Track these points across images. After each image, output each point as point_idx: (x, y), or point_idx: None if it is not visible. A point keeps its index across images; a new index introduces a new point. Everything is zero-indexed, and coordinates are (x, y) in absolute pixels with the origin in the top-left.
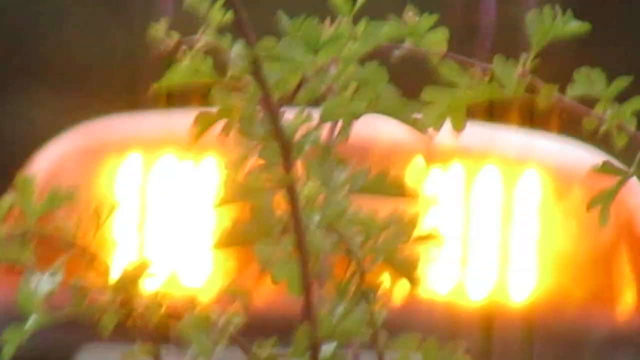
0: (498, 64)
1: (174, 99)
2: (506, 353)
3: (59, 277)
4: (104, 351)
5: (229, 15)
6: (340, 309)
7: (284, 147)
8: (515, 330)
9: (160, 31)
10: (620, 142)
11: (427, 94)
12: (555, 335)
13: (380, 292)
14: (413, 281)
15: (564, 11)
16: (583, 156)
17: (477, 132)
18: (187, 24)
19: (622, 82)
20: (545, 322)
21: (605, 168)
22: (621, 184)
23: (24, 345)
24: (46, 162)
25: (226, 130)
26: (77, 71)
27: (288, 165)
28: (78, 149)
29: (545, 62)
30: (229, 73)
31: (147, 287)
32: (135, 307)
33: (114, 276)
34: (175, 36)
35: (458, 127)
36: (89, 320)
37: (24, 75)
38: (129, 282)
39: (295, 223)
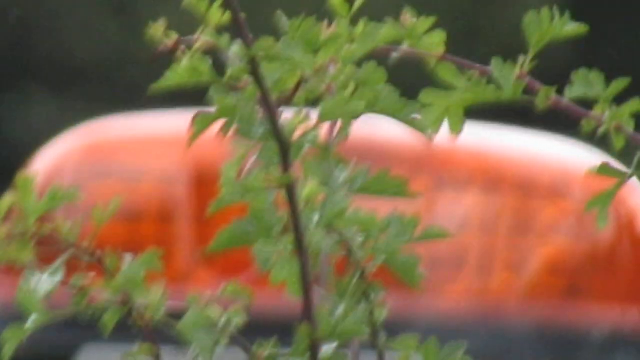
0: (496, 66)
1: (174, 99)
2: (506, 353)
3: (58, 277)
4: (104, 351)
5: (227, 15)
6: (340, 309)
7: (283, 147)
8: (515, 330)
9: (159, 31)
10: (618, 143)
11: (425, 96)
12: (555, 335)
13: (380, 292)
14: (413, 281)
15: (562, 13)
16: (582, 157)
17: (477, 132)
18: (186, 24)
19: (620, 84)
20: (546, 322)
21: (603, 169)
22: (620, 185)
23: (24, 345)
24: (47, 162)
25: (225, 130)
26: (77, 71)
27: (287, 165)
28: (78, 149)
29: (544, 64)
30: (228, 73)
31: (148, 286)
32: (135, 307)
33: (114, 275)
34: (174, 36)
35: (456, 129)
36: (89, 320)
37: (24, 76)
38: (129, 281)
39: (295, 223)
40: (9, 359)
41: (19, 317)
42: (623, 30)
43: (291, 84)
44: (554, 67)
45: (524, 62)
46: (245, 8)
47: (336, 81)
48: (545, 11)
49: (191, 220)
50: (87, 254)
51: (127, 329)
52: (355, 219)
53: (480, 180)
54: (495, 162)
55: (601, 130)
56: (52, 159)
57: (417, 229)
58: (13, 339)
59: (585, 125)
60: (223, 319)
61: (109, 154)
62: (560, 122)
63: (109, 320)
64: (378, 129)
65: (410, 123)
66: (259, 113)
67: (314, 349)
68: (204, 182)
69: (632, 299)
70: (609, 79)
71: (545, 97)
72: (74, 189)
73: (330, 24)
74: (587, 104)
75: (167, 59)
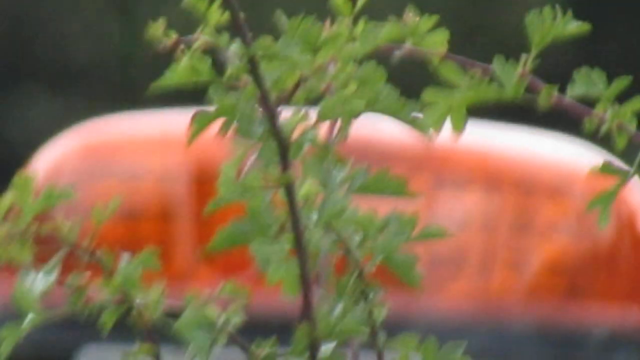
0: (498, 65)
1: (174, 99)
2: (506, 353)
3: (53, 276)
4: (103, 350)
5: (227, 15)
6: (339, 309)
7: (282, 146)
8: (515, 330)
9: (158, 31)
10: (620, 142)
11: (428, 94)
12: (555, 335)
13: (379, 291)
14: (412, 281)
15: (564, 11)
16: (584, 156)
17: (478, 131)
18: (185, 23)
19: (622, 82)
20: (546, 322)
21: (605, 168)
22: (622, 184)
23: (23, 344)
24: (46, 162)
25: (224, 129)
26: (77, 71)
27: (285, 164)
28: (78, 149)
29: (546, 62)
30: (227, 72)
31: (146, 285)
32: (133, 306)
33: (112, 275)
34: (174, 36)
35: (458, 128)
36: (88, 320)
37: (23, 76)
38: (127, 280)
39: (293, 222)
40: (5, 358)
41: (18, 316)
42: (625, 28)
43: (290, 83)
44: (556, 65)
45: (526, 61)
46: (246, 7)
47: (336, 80)
48: (547, 10)
49: (191, 220)
50: (86, 254)
51: (128, 329)
52: (354, 218)
53: (481, 179)
54: (496, 161)
55: (603, 129)
56: (52, 159)
57: (416, 228)
58: (9, 338)
59: (588, 124)
60: (221, 319)
61: (109, 153)
62: (562, 120)
63: (108, 319)
64: (378, 128)
65: (411, 122)
66: (259, 112)
67: (312, 348)
68: (203, 182)
69: (633, 298)
70: (610, 78)
71: (547, 96)
72: (70, 188)
73: (332, 23)
74: (589, 102)
75: (167, 58)
